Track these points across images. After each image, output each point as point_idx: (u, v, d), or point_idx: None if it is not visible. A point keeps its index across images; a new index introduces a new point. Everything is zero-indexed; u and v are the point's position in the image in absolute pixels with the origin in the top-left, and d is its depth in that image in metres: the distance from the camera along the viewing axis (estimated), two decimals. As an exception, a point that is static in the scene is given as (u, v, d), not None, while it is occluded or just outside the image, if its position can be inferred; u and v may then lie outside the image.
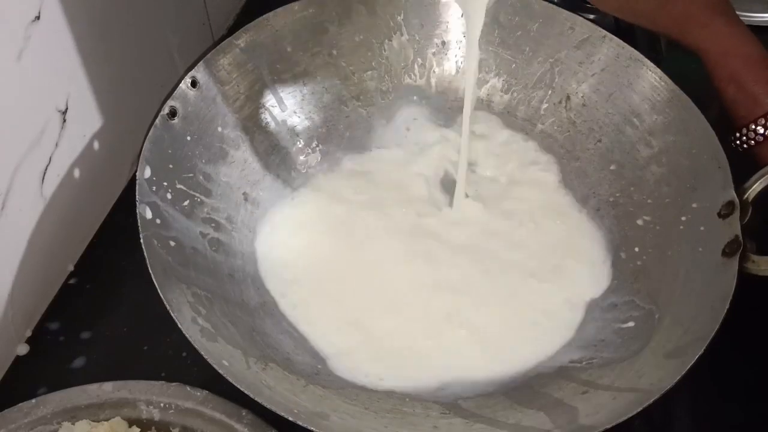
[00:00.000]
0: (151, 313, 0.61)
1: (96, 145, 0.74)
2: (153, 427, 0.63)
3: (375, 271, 0.74)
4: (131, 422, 0.62)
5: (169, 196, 0.69)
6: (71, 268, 0.76)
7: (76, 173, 0.73)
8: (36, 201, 0.68)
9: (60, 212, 0.72)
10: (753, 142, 0.69)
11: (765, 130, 0.68)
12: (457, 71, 0.84)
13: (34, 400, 0.63)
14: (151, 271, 0.62)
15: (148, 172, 0.68)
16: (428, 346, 0.70)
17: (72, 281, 0.75)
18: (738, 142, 0.70)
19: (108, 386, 0.63)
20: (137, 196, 0.65)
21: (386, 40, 0.83)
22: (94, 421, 0.62)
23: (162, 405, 0.63)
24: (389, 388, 0.66)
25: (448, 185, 0.80)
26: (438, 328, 0.71)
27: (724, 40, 0.70)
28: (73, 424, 0.62)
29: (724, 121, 0.72)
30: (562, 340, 0.70)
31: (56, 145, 0.69)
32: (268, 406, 0.57)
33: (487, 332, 0.70)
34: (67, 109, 0.69)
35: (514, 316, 0.72)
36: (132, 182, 0.67)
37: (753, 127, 0.68)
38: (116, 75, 0.75)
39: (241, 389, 0.57)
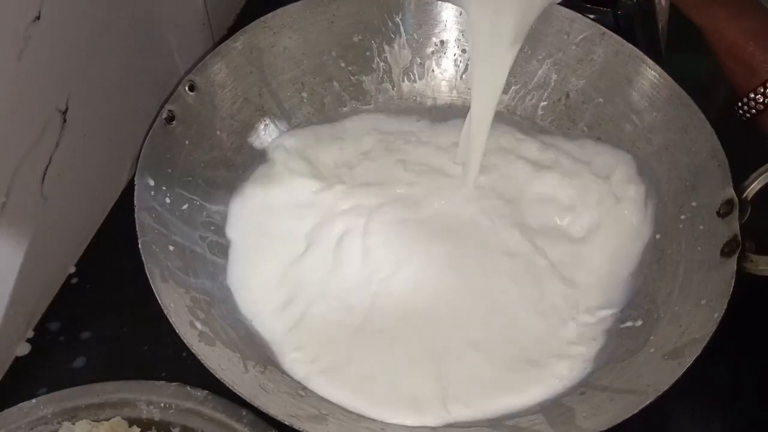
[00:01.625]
0: (152, 313, 0.61)
1: (96, 145, 0.74)
2: (153, 427, 0.63)
3: (380, 286, 0.72)
4: (131, 422, 0.62)
5: (167, 200, 0.69)
6: (72, 268, 0.76)
7: (76, 173, 0.72)
8: (36, 201, 0.68)
9: (60, 212, 0.72)
10: (754, 111, 0.70)
11: (764, 99, 0.69)
12: (456, 70, 0.85)
13: (34, 400, 0.63)
14: (149, 277, 0.62)
15: (146, 178, 0.68)
16: (426, 390, 0.66)
17: (73, 281, 0.75)
18: (741, 111, 0.71)
19: (108, 386, 0.64)
20: (135, 202, 0.66)
21: (385, 41, 0.83)
22: (94, 421, 0.62)
23: (162, 405, 0.63)
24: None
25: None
26: (436, 368, 0.67)
27: (721, 19, 0.71)
28: (74, 424, 0.62)
29: (724, 120, 0.72)
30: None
31: (56, 145, 0.69)
32: (264, 410, 0.57)
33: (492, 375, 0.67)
34: (67, 109, 0.69)
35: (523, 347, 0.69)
36: (133, 182, 0.67)
37: (752, 96, 0.69)
38: (116, 75, 0.75)
39: (238, 393, 0.57)
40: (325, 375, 0.65)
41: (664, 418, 0.68)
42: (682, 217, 0.71)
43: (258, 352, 0.66)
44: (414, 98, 0.85)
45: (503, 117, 0.82)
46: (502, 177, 0.78)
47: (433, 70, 0.85)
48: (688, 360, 0.59)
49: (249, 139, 0.78)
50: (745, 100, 0.70)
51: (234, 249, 0.73)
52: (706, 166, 0.71)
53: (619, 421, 0.58)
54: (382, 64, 0.84)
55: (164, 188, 0.69)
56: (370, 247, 0.73)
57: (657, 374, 0.61)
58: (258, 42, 0.78)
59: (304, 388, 0.64)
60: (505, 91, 0.82)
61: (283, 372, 0.65)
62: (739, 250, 0.64)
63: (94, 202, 0.78)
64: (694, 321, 0.63)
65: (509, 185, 0.78)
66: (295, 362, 0.66)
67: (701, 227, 0.69)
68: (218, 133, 0.76)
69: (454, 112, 0.84)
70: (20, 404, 0.63)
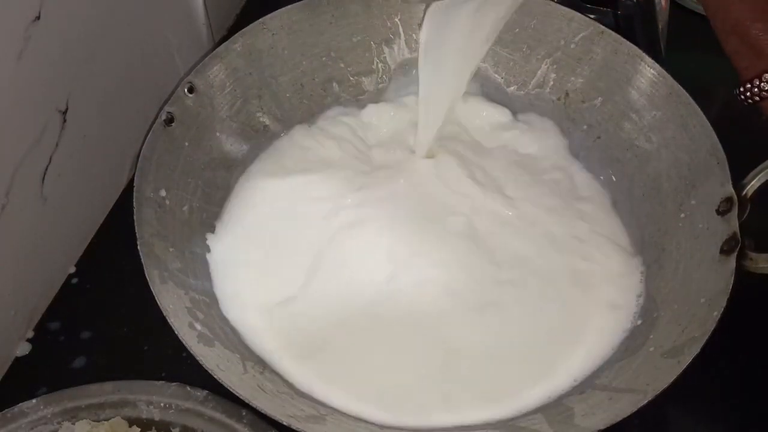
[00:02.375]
0: (152, 313, 0.61)
1: (96, 145, 0.75)
2: (153, 427, 0.63)
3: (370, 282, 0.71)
4: (131, 422, 0.63)
5: (167, 202, 0.69)
6: (72, 268, 0.76)
7: (76, 173, 0.73)
8: (36, 201, 0.69)
9: (60, 212, 0.72)
10: (758, 98, 0.65)
11: None
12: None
13: (34, 400, 0.63)
14: (148, 279, 0.62)
15: (145, 179, 0.68)
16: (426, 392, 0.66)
17: (73, 281, 0.75)
18: (742, 96, 0.66)
19: (108, 386, 0.64)
20: (134, 204, 0.66)
21: (384, 41, 0.83)
22: (94, 420, 0.63)
23: (162, 405, 0.63)
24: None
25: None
26: (435, 369, 0.67)
27: None
28: (74, 423, 0.62)
29: (724, 118, 0.72)
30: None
31: (56, 145, 0.69)
32: (263, 410, 0.57)
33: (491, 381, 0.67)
34: (67, 109, 0.69)
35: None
36: (133, 182, 0.67)
37: (758, 83, 0.65)
38: (116, 75, 0.75)
39: (237, 394, 0.57)
40: (322, 378, 0.65)
41: (663, 417, 0.68)
42: (682, 215, 0.71)
43: (254, 353, 0.66)
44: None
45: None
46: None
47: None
48: (688, 359, 0.59)
49: (248, 141, 0.78)
50: (749, 85, 0.65)
51: (232, 249, 0.72)
52: (705, 164, 0.70)
53: (617, 420, 0.57)
54: (381, 64, 0.84)
55: (164, 189, 0.69)
56: (370, 247, 0.73)
57: (656, 373, 0.60)
58: (257, 43, 0.78)
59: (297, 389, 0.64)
60: (503, 90, 0.84)
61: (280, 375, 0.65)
62: (738, 248, 0.64)
63: (94, 202, 0.78)
64: (694, 319, 0.63)
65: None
66: (290, 365, 0.66)
67: (700, 225, 0.68)
68: (217, 134, 0.76)
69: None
70: (20, 404, 0.63)
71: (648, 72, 0.76)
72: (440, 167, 0.78)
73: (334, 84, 0.83)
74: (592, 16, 0.80)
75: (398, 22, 0.83)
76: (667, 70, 0.75)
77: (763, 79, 0.64)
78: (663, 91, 0.75)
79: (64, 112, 0.69)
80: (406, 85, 0.84)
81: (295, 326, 0.68)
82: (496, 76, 0.83)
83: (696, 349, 0.60)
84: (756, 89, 0.65)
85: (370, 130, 0.83)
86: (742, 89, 0.66)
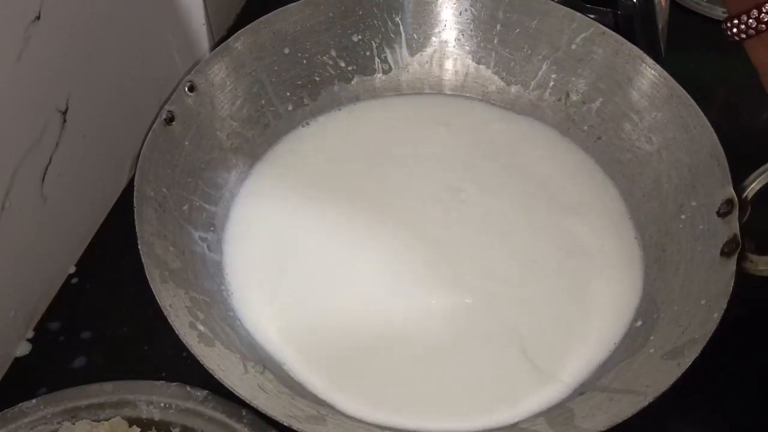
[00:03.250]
0: (152, 313, 0.61)
1: (96, 145, 0.74)
2: (153, 427, 0.63)
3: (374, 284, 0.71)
4: (131, 422, 0.62)
5: (167, 201, 0.69)
6: (72, 268, 0.76)
7: (76, 173, 0.72)
8: (36, 201, 0.68)
9: (60, 212, 0.72)
10: (744, 35, 0.65)
11: (757, 23, 0.63)
12: (456, 71, 0.85)
13: (34, 400, 0.63)
14: (148, 278, 0.62)
15: (146, 178, 0.67)
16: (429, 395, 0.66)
17: (73, 281, 0.75)
18: (729, 33, 0.66)
19: (108, 386, 0.64)
20: (135, 203, 0.65)
21: (385, 41, 0.83)
22: (94, 420, 0.62)
23: (162, 405, 0.63)
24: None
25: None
26: (437, 373, 0.67)
27: None
28: (74, 424, 0.62)
29: (724, 119, 0.72)
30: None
31: (56, 145, 0.69)
32: (263, 411, 0.57)
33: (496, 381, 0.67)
34: (67, 109, 0.69)
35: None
36: (133, 182, 0.67)
37: (745, 18, 0.64)
38: (116, 75, 0.75)
39: (237, 394, 0.57)
40: (343, 391, 0.65)
41: (663, 419, 0.68)
42: (682, 216, 0.71)
43: (258, 352, 0.66)
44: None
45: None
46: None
47: (432, 70, 0.85)
48: (688, 360, 0.59)
49: (249, 140, 0.78)
50: (736, 21, 0.64)
51: (233, 250, 0.72)
52: (706, 166, 0.70)
53: (618, 421, 0.57)
54: (382, 64, 0.84)
55: (164, 189, 0.69)
56: (371, 249, 0.73)
57: (656, 374, 0.60)
58: (258, 42, 0.78)
59: (304, 388, 0.64)
60: (504, 90, 0.83)
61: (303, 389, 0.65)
62: (738, 250, 0.64)
63: (94, 202, 0.78)
64: (694, 321, 0.63)
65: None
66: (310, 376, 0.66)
67: (701, 227, 0.68)
68: (218, 133, 0.75)
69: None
70: (20, 404, 0.63)
71: (649, 73, 0.76)
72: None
73: (335, 83, 0.83)
74: (592, 16, 0.80)
75: (399, 22, 0.83)
76: (667, 70, 0.75)
77: (751, 16, 0.63)
78: (663, 92, 0.75)
79: (64, 112, 0.69)
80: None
81: (306, 330, 0.68)
82: (497, 76, 0.83)
83: (696, 351, 0.60)
84: (743, 26, 0.64)
85: (371, 130, 0.83)
86: (729, 24, 0.65)
